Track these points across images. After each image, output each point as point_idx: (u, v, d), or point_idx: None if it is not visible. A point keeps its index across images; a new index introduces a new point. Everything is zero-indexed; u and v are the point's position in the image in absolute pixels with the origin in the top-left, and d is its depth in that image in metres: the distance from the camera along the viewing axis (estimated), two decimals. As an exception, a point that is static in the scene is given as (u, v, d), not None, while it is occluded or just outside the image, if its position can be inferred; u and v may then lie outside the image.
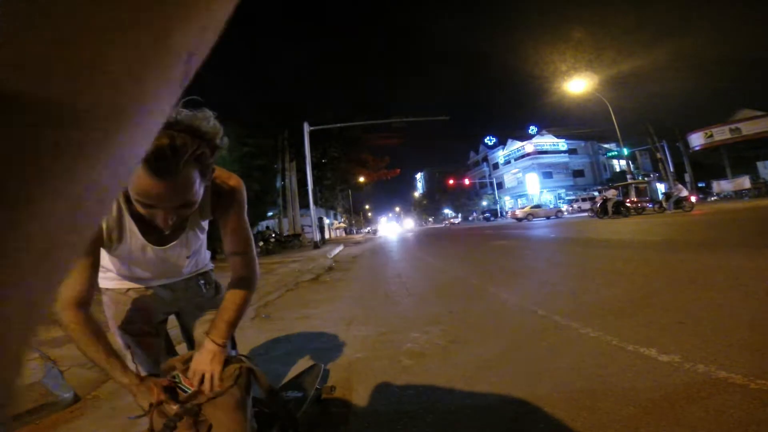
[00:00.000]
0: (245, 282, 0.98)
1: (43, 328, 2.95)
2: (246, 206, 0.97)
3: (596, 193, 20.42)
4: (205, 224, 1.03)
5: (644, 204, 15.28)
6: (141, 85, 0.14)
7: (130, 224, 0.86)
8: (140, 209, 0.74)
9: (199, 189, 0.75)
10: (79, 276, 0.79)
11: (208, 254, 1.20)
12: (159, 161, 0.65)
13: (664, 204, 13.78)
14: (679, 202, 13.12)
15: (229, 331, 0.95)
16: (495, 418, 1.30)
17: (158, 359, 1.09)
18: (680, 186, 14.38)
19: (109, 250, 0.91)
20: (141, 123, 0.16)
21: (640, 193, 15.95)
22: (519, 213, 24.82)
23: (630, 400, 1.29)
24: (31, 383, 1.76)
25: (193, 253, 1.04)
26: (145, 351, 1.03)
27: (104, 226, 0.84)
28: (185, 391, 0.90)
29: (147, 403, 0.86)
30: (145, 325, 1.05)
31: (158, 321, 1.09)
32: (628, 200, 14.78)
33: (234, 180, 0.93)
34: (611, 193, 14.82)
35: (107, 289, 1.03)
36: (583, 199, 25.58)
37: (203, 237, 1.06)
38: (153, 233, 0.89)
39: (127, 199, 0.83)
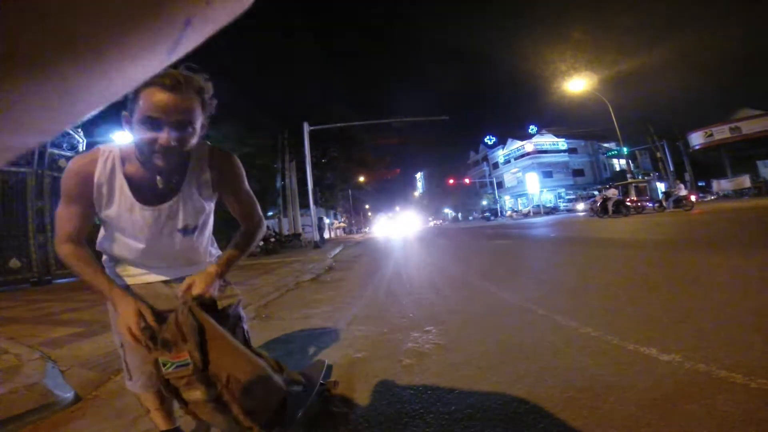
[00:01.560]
0: (252, 232, 1.13)
1: (44, 328, 2.95)
2: (245, 176, 1.11)
3: (596, 192, 20.41)
4: (206, 205, 1.04)
5: (644, 203, 15.29)
6: (123, 38, 0.14)
7: (121, 182, 0.93)
8: (146, 131, 0.82)
9: (198, 118, 0.86)
10: (69, 222, 0.93)
11: (216, 252, 1.19)
12: (172, 81, 0.79)
13: (663, 203, 13.82)
14: (679, 201, 13.14)
15: (229, 264, 1.09)
16: (495, 418, 1.29)
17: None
18: (680, 185, 14.38)
19: (100, 211, 0.94)
20: (120, 70, 0.16)
21: (639, 192, 15.97)
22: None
23: (630, 400, 1.29)
24: (31, 383, 1.76)
25: (187, 229, 1.02)
26: (138, 350, 1.01)
27: (96, 180, 0.90)
28: (184, 365, 0.88)
29: (122, 322, 0.92)
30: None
31: (159, 321, 1.08)
32: (628, 199, 14.77)
33: (229, 153, 1.08)
34: (611, 192, 14.80)
35: None
36: (583, 199, 25.50)
37: (202, 221, 1.06)
38: (144, 194, 0.94)
39: (122, 161, 0.93)
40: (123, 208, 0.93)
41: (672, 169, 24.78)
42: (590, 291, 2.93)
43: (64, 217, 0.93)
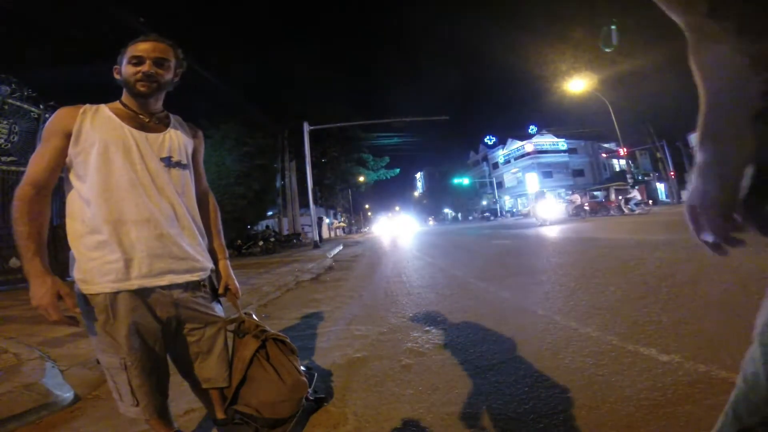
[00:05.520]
0: (215, 207, 1.27)
1: (44, 328, 2.95)
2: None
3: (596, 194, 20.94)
4: (188, 159, 1.11)
5: (597, 207, 16.72)
6: None
7: (108, 113, 1.00)
8: (132, 67, 1.00)
9: (172, 60, 1.06)
10: (40, 162, 0.93)
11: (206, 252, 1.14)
12: (151, 35, 1.03)
13: (623, 207, 15.02)
14: (638, 205, 14.68)
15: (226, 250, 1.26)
16: (495, 418, 1.29)
17: (162, 381, 1.03)
18: (635, 191, 15.92)
19: (77, 141, 0.94)
20: None
21: (594, 197, 17.66)
22: None
23: (630, 400, 1.29)
24: (31, 383, 1.76)
25: (172, 161, 1.04)
26: (143, 372, 0.96)
27: (81, 111, 0.97)
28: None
29: (39, 301, 0.88)
30: (142, 337, 0.96)
31: (157, 337, 1.00)
32: (586, 204, 16.38)
33: (198, 128, 1.23)
34: (575, 198, 16.91)
35: (91, 295, 0.94)
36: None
37: (188, 175, 1.10)
38: (131, 125, 1.02)
39: (108, 109, 1.01)
40: (110, 127, 0.98)
41: (672, 169, 24.71)
42: (590, 291, 2.93)
43: (36, 157, 0.94)
